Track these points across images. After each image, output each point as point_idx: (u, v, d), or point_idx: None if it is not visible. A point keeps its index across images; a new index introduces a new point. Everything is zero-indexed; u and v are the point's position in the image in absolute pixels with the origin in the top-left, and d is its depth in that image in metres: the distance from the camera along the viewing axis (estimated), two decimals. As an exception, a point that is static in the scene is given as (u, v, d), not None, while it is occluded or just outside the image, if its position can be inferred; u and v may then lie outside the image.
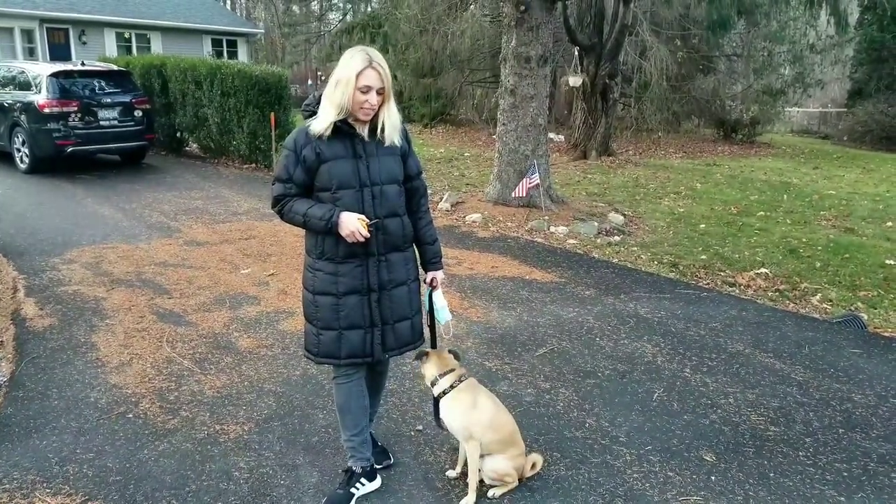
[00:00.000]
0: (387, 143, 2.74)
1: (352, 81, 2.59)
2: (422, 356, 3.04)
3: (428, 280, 3.04)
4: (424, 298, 3.06)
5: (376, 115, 2.71)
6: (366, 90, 2.60)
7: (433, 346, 3.11)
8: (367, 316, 2.80)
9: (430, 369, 3.00)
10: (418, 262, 3.02)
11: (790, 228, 9.47)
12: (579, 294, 5.93)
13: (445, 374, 2.98)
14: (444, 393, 2.94)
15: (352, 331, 2.80)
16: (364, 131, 2.72)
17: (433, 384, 2.99)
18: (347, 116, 2.67)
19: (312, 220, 2.68)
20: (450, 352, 3.08)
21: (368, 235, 2.66)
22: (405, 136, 2.86)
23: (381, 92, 2.64)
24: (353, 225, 2.62)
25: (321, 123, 2.65)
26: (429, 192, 3.16)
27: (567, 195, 10.52)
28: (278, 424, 3.62)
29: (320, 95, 2.73)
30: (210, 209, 9.02)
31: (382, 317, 2.83)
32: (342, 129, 2.68)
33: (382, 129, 2.72)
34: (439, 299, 3.04)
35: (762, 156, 18.59)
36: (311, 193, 2.76)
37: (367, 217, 2.67)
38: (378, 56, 2.65)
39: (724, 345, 4.84)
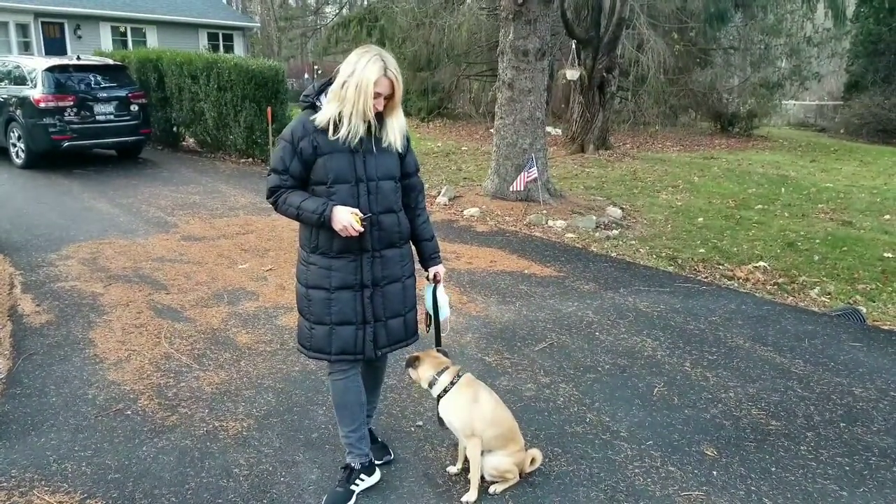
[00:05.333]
0: (386, 143, 2.73)
1: (370, 89, 2.57)
2: (412, 362, 2.98)
3: (431, 276, 3.02)
4: (427, 295, 3.04)
5: (380, 116, 2.70)
6: (376, 96, 2.61)
7: (437, 342, 3.09)
8: (359, 312, 2.79)
9: (425, 371, 2.96)
10: (414, 260, 3.00)
11: (788, 222, 9.47)
12: (578, 288, 5.91)
13: (442, 372, 2.95)
14: (445, 391, 2.92)
15: (343, 326, 2.78)
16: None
17: (431, 385, 2.95)
18: None
19: (306, 213, 2.66)
20: (438, 350, 3.05)
21: (362, 230, 2.64)
22: (404, 133, 2.85)
23: (388, 98, 2.64)
24: (345, 219, 2.60)
25: (325, 116, 2.65)
26: (426, 186, 3.12)
27: (565, 189, 10.50)
28: (278, 421, 3.60)
29: (321, 85, 2.71)
30: (207, 204, 8.98)
31: (375, 313, 2.82)
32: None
33: (384, 126, 2.71)
34: (442, 295, 3.02)
35: (759, 149, 18.58)
36: (306, 186, 2.75)
37: (362, 212, 2.66)
38: (393, 63, 2.63)
39: (724, 338, 4.84)
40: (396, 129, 2.73)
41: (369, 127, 2.71)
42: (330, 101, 2.65)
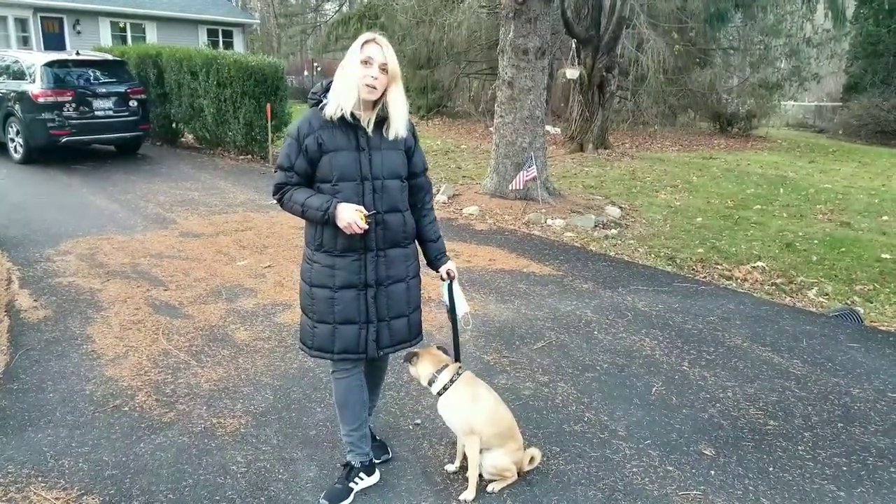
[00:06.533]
0: (392, 133, 2.70)
1: (356, 51, 2.60)
2: (411, 357, 3.00)
3: (444, 274, 3.01)
4: (444, 293, 3.04)
5: (382, 103, 2.68)
6: (368, 61, 2.59)
7: (455, 341, 3.08)
8: (362, 311, 2.78)
9: (424, 368, 2.96)
10: (419, 260, 2.98)
11: (786, 222, 9.48)
12: (577, 287, 5.91)
13: (441, 369, 2.95)
14: (445, 389, 2.92)
15: (346, 326, 2.77)
16: (369, 124, 2.69)
17: (430, 382, 2.95)
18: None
19: (310, 210, 2.66)
20: (438, 347, 3.05)
21: (366, 227, 2.63)
22: (412, 132, 2.83)
23: (384, 69, 2.60)
24: (350, 216, 2.59)
25: (332, 105, 2.63)
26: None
27: (564, 188, 10.50)
28: (276, 418, 3.59)
29: (328, 83, 2.70)
30: (206, 200, 8.97)
31: (378, 313, 2.81)
32: (346, 121, 2.65)
33: (388, 118, 2.69)
34: (458, 291, 3.02)
35: (758, 149, 18.59)
36: (313, 183, 2.74)
37: (367, 210, 2.65)
38: (384, 39, 2.65)
39: (722, 338, 4.84)
40: (394, 110, 2.68)
41: (378, 124, 2.69)
42: (333, 88, 2.65)
